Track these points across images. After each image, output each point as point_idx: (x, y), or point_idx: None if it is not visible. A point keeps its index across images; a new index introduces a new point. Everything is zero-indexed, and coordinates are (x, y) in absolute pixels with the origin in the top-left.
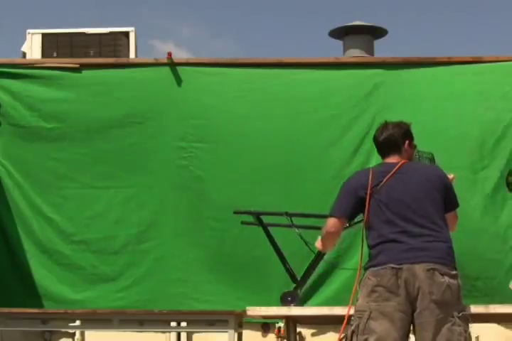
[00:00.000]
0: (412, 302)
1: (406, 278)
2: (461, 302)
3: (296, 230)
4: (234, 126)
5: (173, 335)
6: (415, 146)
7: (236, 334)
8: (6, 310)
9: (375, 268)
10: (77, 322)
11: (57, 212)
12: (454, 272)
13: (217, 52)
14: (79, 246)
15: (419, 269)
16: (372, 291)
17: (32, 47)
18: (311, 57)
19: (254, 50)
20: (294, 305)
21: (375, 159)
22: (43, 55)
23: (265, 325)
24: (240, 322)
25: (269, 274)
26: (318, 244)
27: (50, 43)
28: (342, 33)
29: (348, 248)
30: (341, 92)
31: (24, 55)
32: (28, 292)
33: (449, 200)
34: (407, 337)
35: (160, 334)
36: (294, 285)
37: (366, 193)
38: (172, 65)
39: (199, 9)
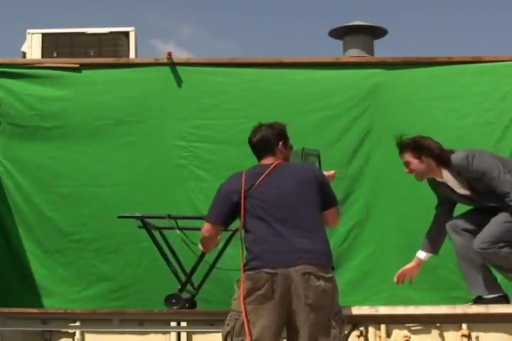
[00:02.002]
0: (287, 306)
1: (281, 283)
2: (337, 304)
3: (178, 232)
4: (234, 126)
5: (173, 335)
6: (291, 147)
7: None
8: (6, 310)
9: (251, 272)
10: (77, 323)
11: (56, 210)
12: (330, 275)
13: (217, 52)
14: (78, 245)
15: (294, 273)
16: (248, 294)
17: (32, 47)
18: (311, 57)
19: (255, 51)
20: (178, 308)
21: (376, 159)
22: (43, 55)
23: None
24: None
25: None
26: (200, 246)
27: (50, 43)
28: (342, 33)
29: (348, 248)
30: (341, 92)
31: (24, 55)
32: (28, 292)
33: (326, 198)
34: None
35: (160, 334)
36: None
37: (240, 197)
38: (172, 64)
39: (200, 10)
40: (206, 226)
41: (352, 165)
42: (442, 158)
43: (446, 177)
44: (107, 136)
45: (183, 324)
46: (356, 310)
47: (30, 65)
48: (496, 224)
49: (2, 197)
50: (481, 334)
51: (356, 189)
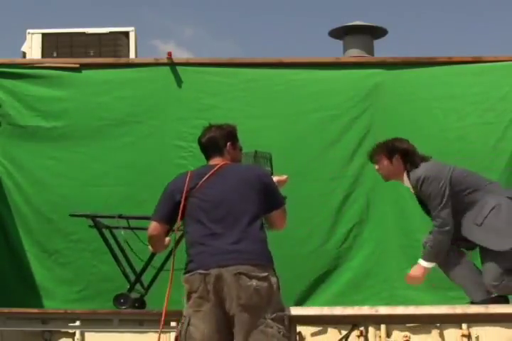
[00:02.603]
0: (223, 306)
1: (214, 283)
2: (275, 303)
3: (122, 232)
4: None
5: (173, 335)
6: (241, 148)
7: None
8: (6, 310)
9: (187, 275)
10: (77, 323)
11: (56, 211)
12: (264, 274)
13: (218, 52)
14: (77, 245)
15: (226, 273)
16: (188, 298)
17: (32, 47)
18: (311, 57)
19: (255, 51)
20: (126, 308)
21: None
22: (43, 55)
23: None
24: None
25: None
26: (149, 246)
27: (50, 43)
28: (342, 33)
29: (348, 248)
30: (341, 92)
31: (24, 55)
32: (28, 292)
33: (270, 199)
34: (231, 336)
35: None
36: (128, 287)
37: (182, 197)
38: (172, 64)
39: (200, 10)
40: (152, 225)
41: (352, 165)
42: (407, 161)
43: (407, 184)
44: (107, 136)
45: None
46: (356, 310)
47: (30, 65)
48: (491, 259)
49: (2, 197)
50: (481, 334)
51: (356, 189)
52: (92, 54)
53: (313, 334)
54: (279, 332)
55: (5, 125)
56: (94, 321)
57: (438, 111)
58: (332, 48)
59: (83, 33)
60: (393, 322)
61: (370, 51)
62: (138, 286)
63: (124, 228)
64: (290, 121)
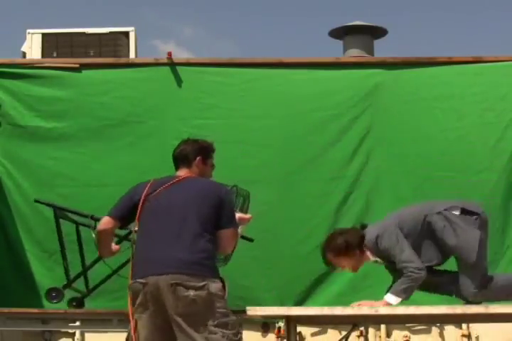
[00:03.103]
0: (163, 314)
1: (151, 292)
2: (217, 309)
3: (93, 234)
4: (233, 126)
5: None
6: (213, 165)
7: None
8: (6, 310)
9: (130, 282)
10: (77, 323)
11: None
12: (202, 283)
13: (218, 52)
14: (77, 245)
15: (163, 283)
16: (132, 304)
17: (32, 47)
18: (311, 57)
19: (255, 50)
20: (57, 302)
21: (375, 159)
22: (43, 55)
23: (265, 325)
24: (240, 322)
25: (269, 274)
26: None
27: (50, 43)
28: (342, 33)
29: None
30: (341, 92)
31: (24, 55)
32: (28, 292)
33: (223, 217)
34: None
35: None
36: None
37: (139, 200)
38: (172, 64)
39: (200, 10)
40: (102, 219)
41: (352, 165)
42: (361, 247)
43: (372, 257)
44: (107, 136)
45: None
46: (356, 310)
47: (30, 65)
48: (464, 269)
49: (2, 197)
50: (481, 334)
51: (356, 189)
52: (92, 54)
53: (313, 334)
54: (224, 337)
55: (5, 125)
56: (94, 321)
57: (438, 111)
58: (332, 48)
59: (83, 33)
60: (393, 322)
61: (370, 51)
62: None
63: (84, 225)
64: (290, 121)
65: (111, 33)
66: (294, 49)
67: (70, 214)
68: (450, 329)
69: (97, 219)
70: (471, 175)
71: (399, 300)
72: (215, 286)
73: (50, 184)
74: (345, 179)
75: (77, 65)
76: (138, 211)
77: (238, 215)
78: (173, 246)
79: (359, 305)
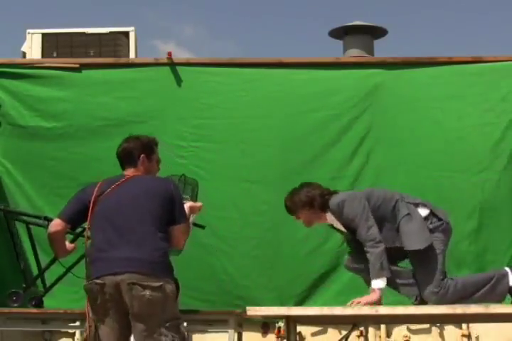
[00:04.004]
0: (121, 314)
1: (110, 292)
2: (170, 311)
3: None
4: (233, 126)
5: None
6: (158, 160)
7: (236, 334)
8: (6, 310)
9: (86, 283)
10: (77, 323)
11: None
12: (158, 284)
13: (218, 52)
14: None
15: (121, 283)
16: (89, 305)
17: (32, 47)
18: (311, 57)
19: (255, 51)
20: (17, 306)
21: (375, 159)
22: (43, 55)
23: (265, 325)
24: (240, 322)
25: (269, 274)
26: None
27: (50, 43)
28: (342, 33)
29: (347, 249)
30: (341, 92)
31: (24, 55)
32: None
33: (173, 214)
34: None
35: None
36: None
37: (89, 202)
38: (172, 64)
39: (201, 10)
40: (53, 222)
41: (352, 165)
42: (324, 205)
43: (330, 220)
44: (107, 136)
45: (183, 324)
46: (356, 310)
47: (30, 65)
48: (421, 269)
49: (2, 197)
50: (481, 334)
51: (356, 189)
52: (92, 54)
53: (313, 334)
54: (174, 340)
55: (5, 125)
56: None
57: (438, 112)
58: (332, 48)
59: (83, 33)
60: (393, 322)
61: (370, 51)
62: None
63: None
64: (290, 121)
65: (111, 33)
66: (294, 49)
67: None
68: (450, 329)
69: (51, 220)
70: (471, 176)
71: (384, 279)
72: (170, 288)
73: (50, 184)
74: (345, 179)
75: (77, 65)
76: (89, 213)
77: (189, 204)
78: (127, 246)
79: (352, 303)
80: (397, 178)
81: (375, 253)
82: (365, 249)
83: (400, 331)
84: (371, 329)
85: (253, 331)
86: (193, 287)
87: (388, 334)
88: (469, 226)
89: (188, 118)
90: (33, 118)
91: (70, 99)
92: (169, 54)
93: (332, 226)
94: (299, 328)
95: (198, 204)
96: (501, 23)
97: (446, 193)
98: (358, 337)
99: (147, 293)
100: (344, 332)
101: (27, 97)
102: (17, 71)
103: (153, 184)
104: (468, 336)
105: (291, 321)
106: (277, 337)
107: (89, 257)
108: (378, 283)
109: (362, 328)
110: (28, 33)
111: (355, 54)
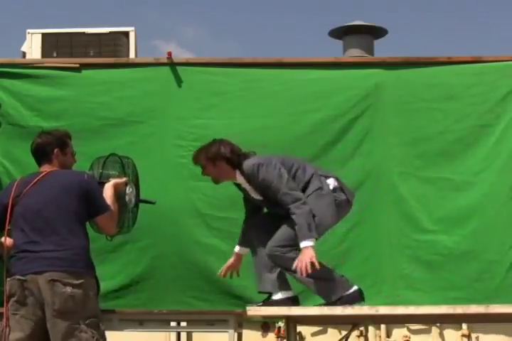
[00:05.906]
0: (41, 312)
1: (31, 289)
2: (90, 309)
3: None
4: (233, 126)
5: (173, 335)
6: (73, 153)
7: (236, 334)
8: None
9: (8, 279)
10: None
11: None
12: (79, 281)
13: (219, 52)
14: None
15: (42, 280)
16: (7, 301)
17: (32, 47)
18: (311, 57)
19: (256, 51)
20: None
21: (375, 159)
22: (43, 54)
23: (265, 325)
24: (240, 322)
25: None
26: None
27: (50, 43)
28: (342, 33)
29: (347, 249)
30: (341, 92)
31: (24, 54)
32: None
33: (92, 206)
34: None
35: (160, 334)
36: None
37: (8, 203)
38: (172, 64)
39: (202, 10)
40: None
41: (352, 165)
42: (233, 162)
43: (240, 180)
44: (107, 136)
45: (183, 324)
46: (356, 310)
47: (30, 65)
48: (285, 229)
49: None
50: (481, 334)
51: (356, 189)
52: (92, 54)
53: (313, 334)
54: (93, 337)
55: (5, 125)
56: None
57: (438, 112)
58: (332, 48)
59: (83, 33)
60: (393, 322)
61: (370, 51)
62: None
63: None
64: (290, 121)
65: (111, 33)
66: (294, 49)
67: None
68: (450, 329)
69: None
70: (470, 176)
71: (313, 239)
72: (91, 285)
73: None
74: (345, 179)
75: (77, 65)
76: (8, 214)
77: (112, 182)
78: (47, 245)
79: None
80: (396, 179)
81: (301, 213)
82: (289, 211)
83: (400, 331)
84: (371, 329)
85: (253, 331)
86: (193, 287)
87: (388, 334)
88: (469, 226)
89: (188, 118)
90: (33, 119)
91: (70, 99)
92: (169, 54)
93: (239, 186)
94: (299, 328)
95: (122, 179)
96: (501, 23)
97: (445, 193)
98: (358, 337)
99: (68, 289)
100: (344, 332)
101: (27, 97)
102: (17, 71)
103: (69, 179)
104: (468, 336)
105: (291, 321)
106: (277, 337)
107: (13, 257)
108: (306, 243)
109: (362, 328)
110: (28, 33)
111: (355, 54)
